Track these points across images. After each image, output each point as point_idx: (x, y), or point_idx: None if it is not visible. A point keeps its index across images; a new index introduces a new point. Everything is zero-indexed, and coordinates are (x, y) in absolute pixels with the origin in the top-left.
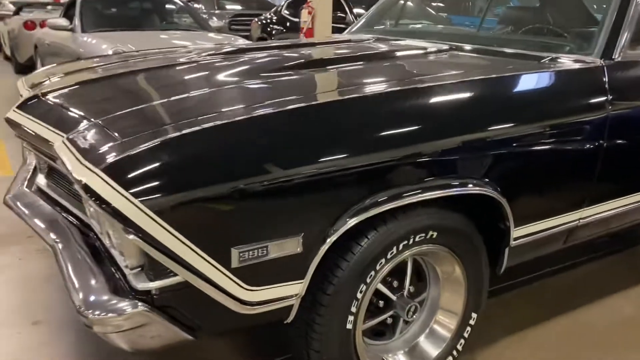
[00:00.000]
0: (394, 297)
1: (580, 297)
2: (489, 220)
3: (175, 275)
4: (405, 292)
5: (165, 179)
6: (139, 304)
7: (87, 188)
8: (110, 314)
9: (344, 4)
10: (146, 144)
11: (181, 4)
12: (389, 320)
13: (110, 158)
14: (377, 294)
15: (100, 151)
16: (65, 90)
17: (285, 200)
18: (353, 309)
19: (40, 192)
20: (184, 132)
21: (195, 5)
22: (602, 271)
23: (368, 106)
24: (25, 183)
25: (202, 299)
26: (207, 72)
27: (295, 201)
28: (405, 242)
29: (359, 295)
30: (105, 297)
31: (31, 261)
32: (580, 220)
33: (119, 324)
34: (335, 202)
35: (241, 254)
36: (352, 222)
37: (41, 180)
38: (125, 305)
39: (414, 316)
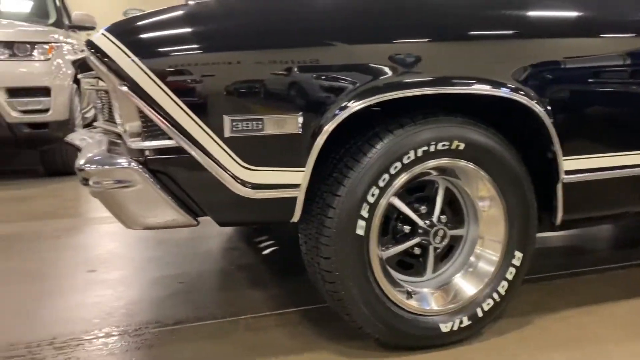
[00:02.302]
0: (418, 219)
1: None
2: (534, 151)
3: (169, 138)
4: (435, 218)
5: (166, 44)
6: (132, 161)
7: (92, 44)
8: (105, 166)
9: None
10: (154, 17)
11: None
12: (417, 251)
13: (123, 27)
14: (404, 220)
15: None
16: None
17: (284, 76)
18: (364, 213)
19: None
20: (189, 6)
21: None
22: None
23: None
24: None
25: (198, 172)
26: None
27: (296, 77)
28: (425, 147)
29: (370, 199)
30: (103, 155)
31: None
32: None
33: (113, 175)
34: (338, 85)
35: (234, 123)
36: (355, 106)
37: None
38: (120, 160)
39: (443, 242)
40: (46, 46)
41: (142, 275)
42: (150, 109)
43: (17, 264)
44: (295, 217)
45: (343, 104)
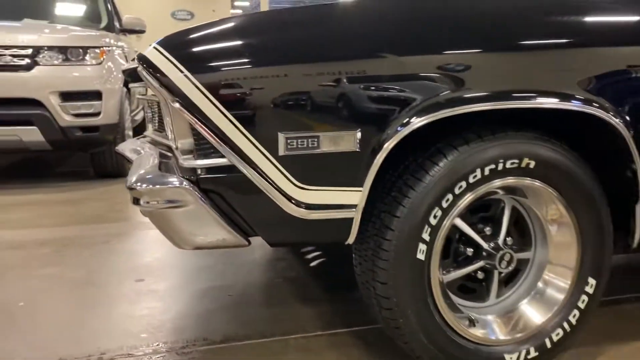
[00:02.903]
0: (482, 242)
1: None
2: (613, 167)
3: (222, 156)
4: (501, 241)
5: (219, 58)
6: (184, 180)
7: (143, 58)
8: (157, 185)
9: None
10: (206, 29)
11: None
12: (480, 275)
13: (174, 40)
14: (467, 242)
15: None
16: None
17: (341, 91)
18: (425, 236)
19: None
20: (241, 17)
21: None
22: None
23: None
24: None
25: (250, 192)
26: None
27: (354, 92)
28: (493, 165)
29: (432, 221)
30: (154, 174)
31: None
32: None
33: (165, 195)
34: (399, 100)
35: (289, 141)
36: (418, 122)
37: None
38: (171, 179)
39: (509, 267)
40: (98, 50)
41: (190, 286)
42: (203, 126)
43: (65, 270)
44: (351, 239)
45: (405, 120)
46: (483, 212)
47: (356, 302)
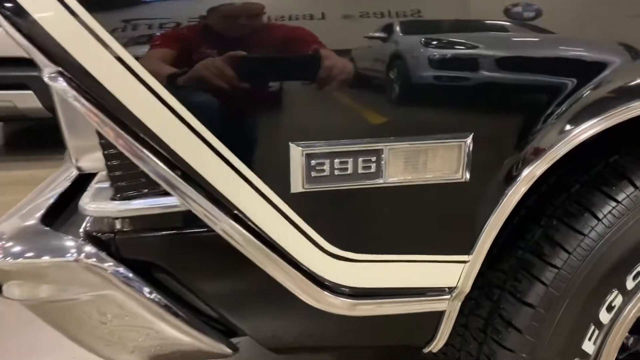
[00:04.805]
0: None
1: None
2: None
3: (166, 195)
4: None
5: None
6: (88, 245)
7: None
8: (31, 259)
9: None
10: None
11: None
12: None
13: None
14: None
15: None
16: None
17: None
18: (587, 347)
19: None
20: None
21: None
22: None
23: None
24: None
25: (230, 267)
26: None
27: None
28: None
29: (603, 317)
30: (33, 233)
31: None
32: None
33: (49, 278)
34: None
35: (313, 162)
36: (582, 132)
37: None
38: (64, 242)
39: None
40: None
41: None
42: (125, 132)
43: None
44: (436, 344)
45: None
46: None
47: None
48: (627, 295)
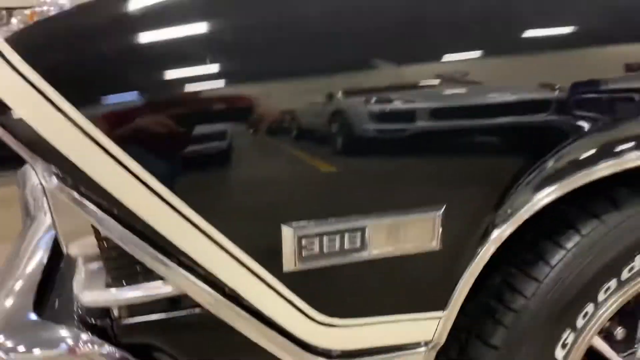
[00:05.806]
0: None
1: None
2: None
3: (159, 278)
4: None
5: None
6: (84, 334)
7: None
8: (22, 351)
9: None
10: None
11: None
12: None
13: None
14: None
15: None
16: None
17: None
18: None
19: None
20: None
21: None
22: None
23: None
24: None
25: (224, 345)
26: None
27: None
28: None
29: (558, 354)
30: (20, 320)
31: None
32: None
33: None
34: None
35: (304, 241)
36: (545, 197)
37: None
38: (58, 333)
39: None
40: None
41: None
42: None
43: None
44: None
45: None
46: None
47: None
48: (578, 332)
